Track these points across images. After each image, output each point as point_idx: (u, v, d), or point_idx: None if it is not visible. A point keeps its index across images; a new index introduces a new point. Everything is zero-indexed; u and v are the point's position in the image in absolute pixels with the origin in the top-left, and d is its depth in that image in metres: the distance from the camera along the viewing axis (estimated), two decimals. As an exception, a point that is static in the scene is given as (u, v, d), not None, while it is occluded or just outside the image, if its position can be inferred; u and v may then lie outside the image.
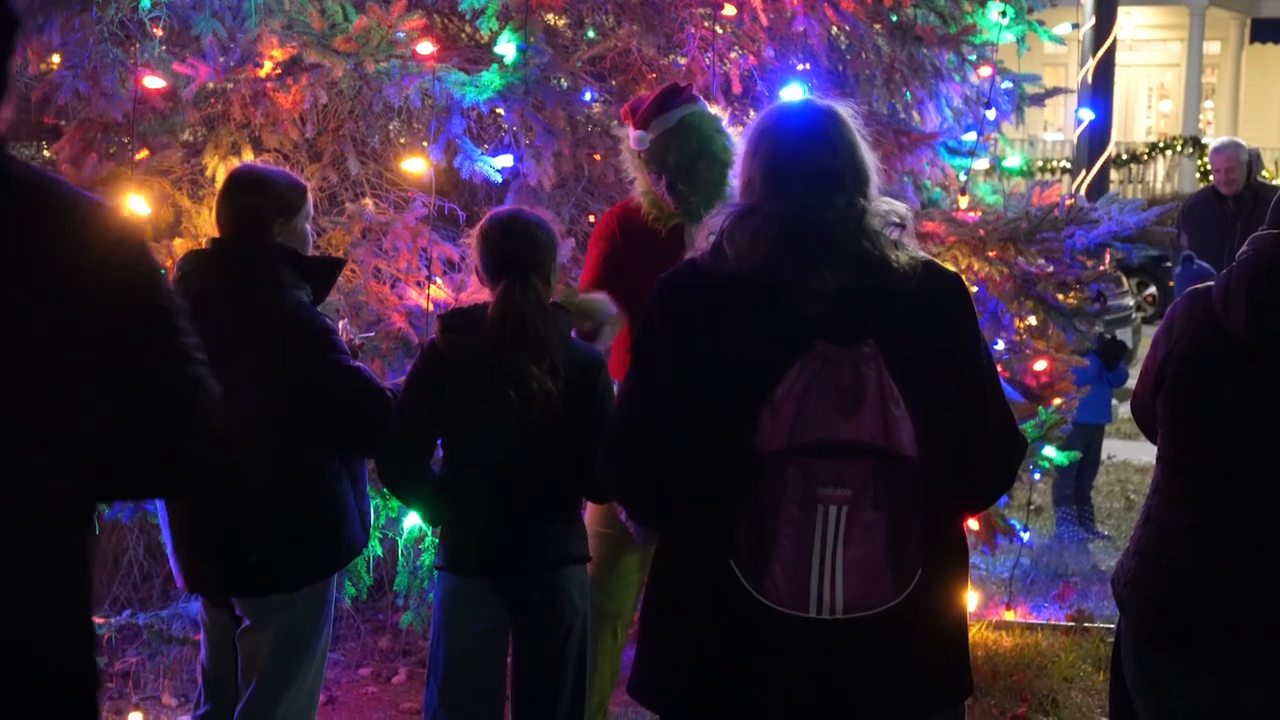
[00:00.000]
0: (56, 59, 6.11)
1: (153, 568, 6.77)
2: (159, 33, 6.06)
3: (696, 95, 5.40)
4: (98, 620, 6.12)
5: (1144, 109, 37.45)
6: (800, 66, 7.04)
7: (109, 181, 5.89)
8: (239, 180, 4.72)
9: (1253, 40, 33.78)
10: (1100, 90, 13.33)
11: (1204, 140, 30.63)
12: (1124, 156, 30.46)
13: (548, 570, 4.54)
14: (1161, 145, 31.71)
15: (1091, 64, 13.35)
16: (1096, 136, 13.18)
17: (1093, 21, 12.84)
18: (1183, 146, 31.21)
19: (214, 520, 4.53)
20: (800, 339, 3.18)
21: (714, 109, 5.40)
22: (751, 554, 3.19)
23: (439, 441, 4.60)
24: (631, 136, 5.33)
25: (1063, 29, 8.39)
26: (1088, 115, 12.15)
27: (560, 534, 4.56)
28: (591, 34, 6.77)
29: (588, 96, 6.65)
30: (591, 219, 6.87)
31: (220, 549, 4.57)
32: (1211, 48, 33.64)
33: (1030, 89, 8.06)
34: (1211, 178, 11.17)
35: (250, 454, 4.40)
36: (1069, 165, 17.00)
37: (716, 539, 3.23)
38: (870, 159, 3.40)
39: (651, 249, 5.22)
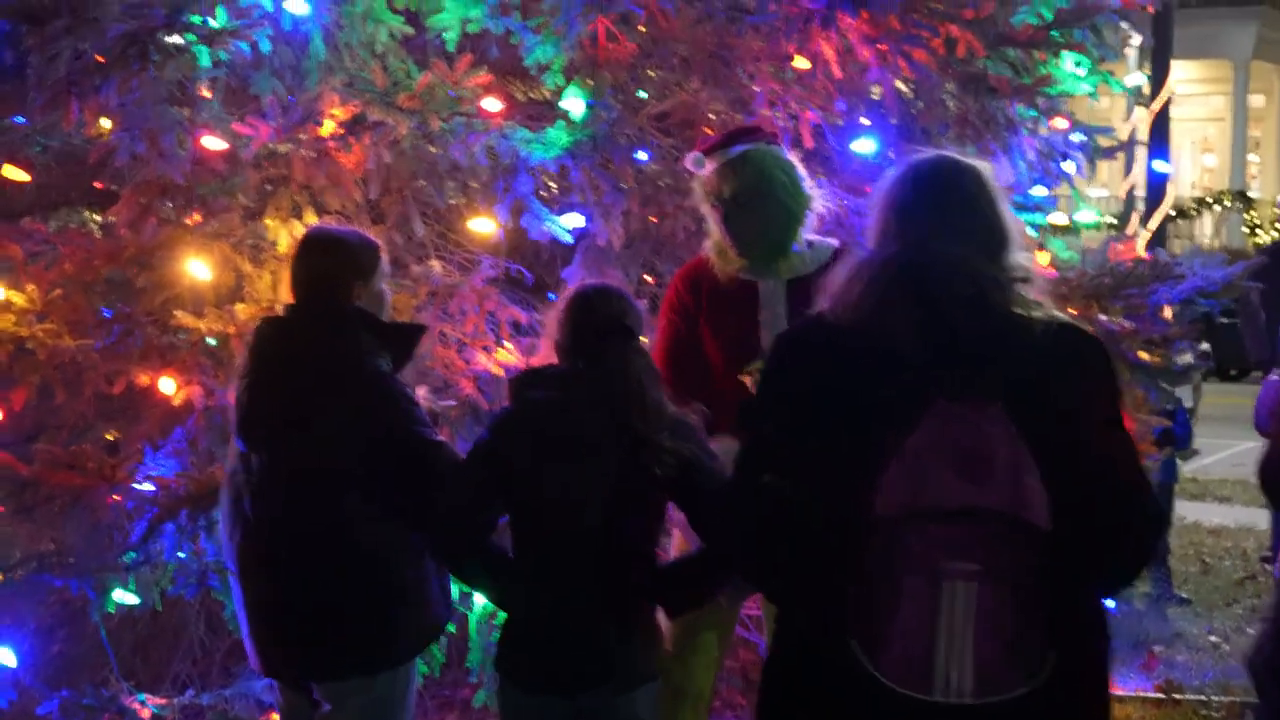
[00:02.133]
0: (106, 123, 5.97)
1: (213, 643, 6.57)
2: (207, 94, 5.90)
3: (774, 139, 5.20)
4: (159, 700, 5.94)
5: (1188, 163, 37.22)
6: (864, 121, 6.87)
7: (168, 246, 5.75)
8: (313, 242, 4.55)
9: (1297, 92, 33.60)
10: (1157, 143, 13.15)
11: (1250, 194, 30.44)
12: (1171, 212, 30.21)
13: (628, 689, 4.18)
14: (1209, 200, 31.46)
15: (1148, 117, 13.17)
16: (1154, 191, 12.99)
17: (1141, 76, 12.65)
18: (1231, 201, 30.97)
19: (294, 601, 4.34)
20: (921, 397, 3.01)
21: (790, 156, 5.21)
22: (869, 627, 3.00)
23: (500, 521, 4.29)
24: (690, 157, 5.15)
25: (1134, 79, 8.21)
26: (1164, 167, 11.93)
27: (648, 641, 4.24)
28: (643, 94, 6.58)
29: (642, 156, 6.46)
30: (656, 280, 6.69)
31: (299, 632, 4.36)
32: (1255, 100, 33.43)
33: (1104, 141, 7.85)
34: None
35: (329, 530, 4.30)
36: (1115, 221, 16.77)
37: (832, 610, 3.05)
38: (1011, 219, 3.24)
39: (721, 305, 5.04)
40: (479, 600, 5.56)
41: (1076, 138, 7.63)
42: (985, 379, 3.03)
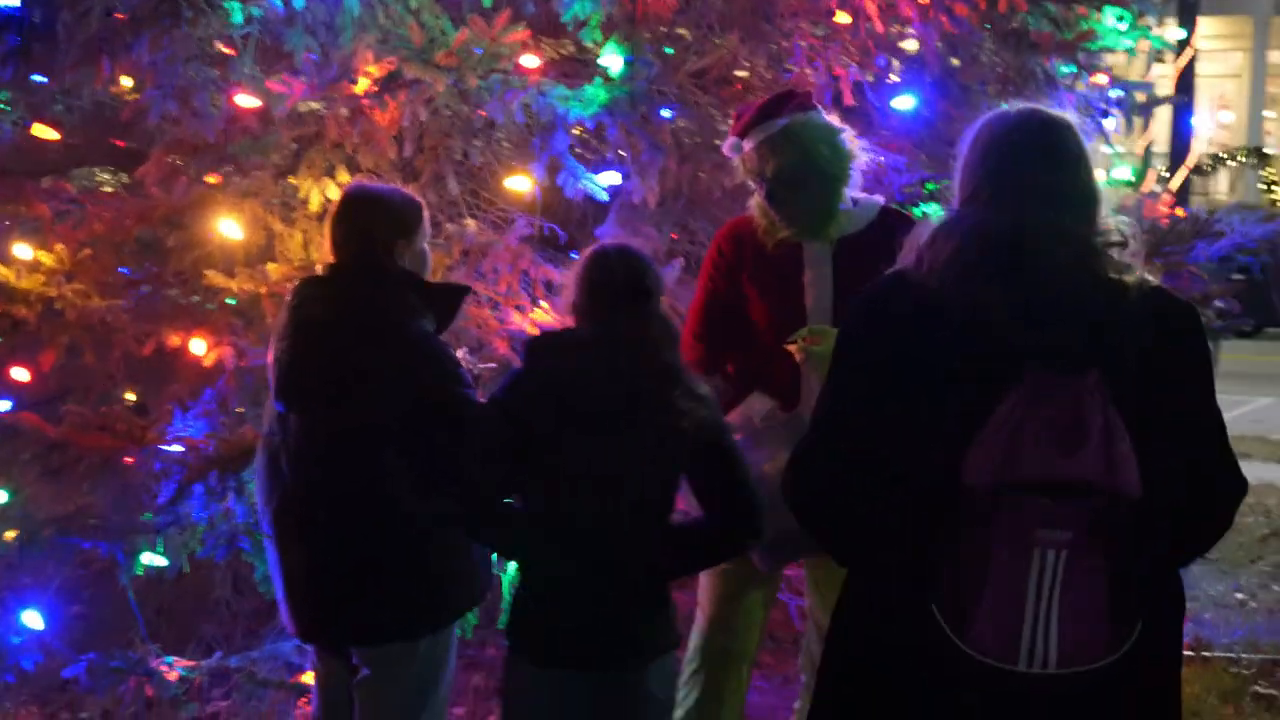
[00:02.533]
0: (128, 82, 5.86)
1: (239, 605, 6.50)
2: (228, 52, 5.78)
3: (811, 103, 5.07)
4: (187, 663, 5.87)
5: (1205, 120, 36.98)
6: (898, 78, 6.77)
7: (199, 205, 5.67)
8: (355, 200, 4.44)
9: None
10: (1183, 100, 13.02)
11: (1267, 150, 30.26)
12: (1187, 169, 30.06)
13: (649, 662, 4.07)
14: (1225, 156, 31.28)
15: (1173, 73, 13.05)
16: (1178, 148, 12.87)
17: (1180, 30, 12.52)
18: (1247, 157, 30.79)
19: (333, 564, 4.26)
20: (1015, 365, 2.91)
21: (830, 118, 5.09)
22: (954, 598, 2.93)
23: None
24: (728, 143, 5.03)
25: (1174, 34, 8.10)
26: (1203, 122, 11.86)
27: (668, 613, 4.13)
28: (676, 50, 6.45)
29: (666, 114, 6.34)
30: (693, 239, 6.59)
31: (338, 595, 4.29)
32: (1274, 57, 33.20)
33: (1140, 97, 7.75)
34: None
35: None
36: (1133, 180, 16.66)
37: (915, 579, 2.97)
38: (1098, 179, 3.12)
39: (765, 265, 4.93)
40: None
41: (1115, 94, 7.53)
42: (1080, 346, 2.95)
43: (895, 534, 3.02)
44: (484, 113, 5.70)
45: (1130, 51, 7.36)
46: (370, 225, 4.34)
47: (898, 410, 3.00)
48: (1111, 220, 3.13)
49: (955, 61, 6.93)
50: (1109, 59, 8.77)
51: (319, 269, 4.51)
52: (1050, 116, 3.18)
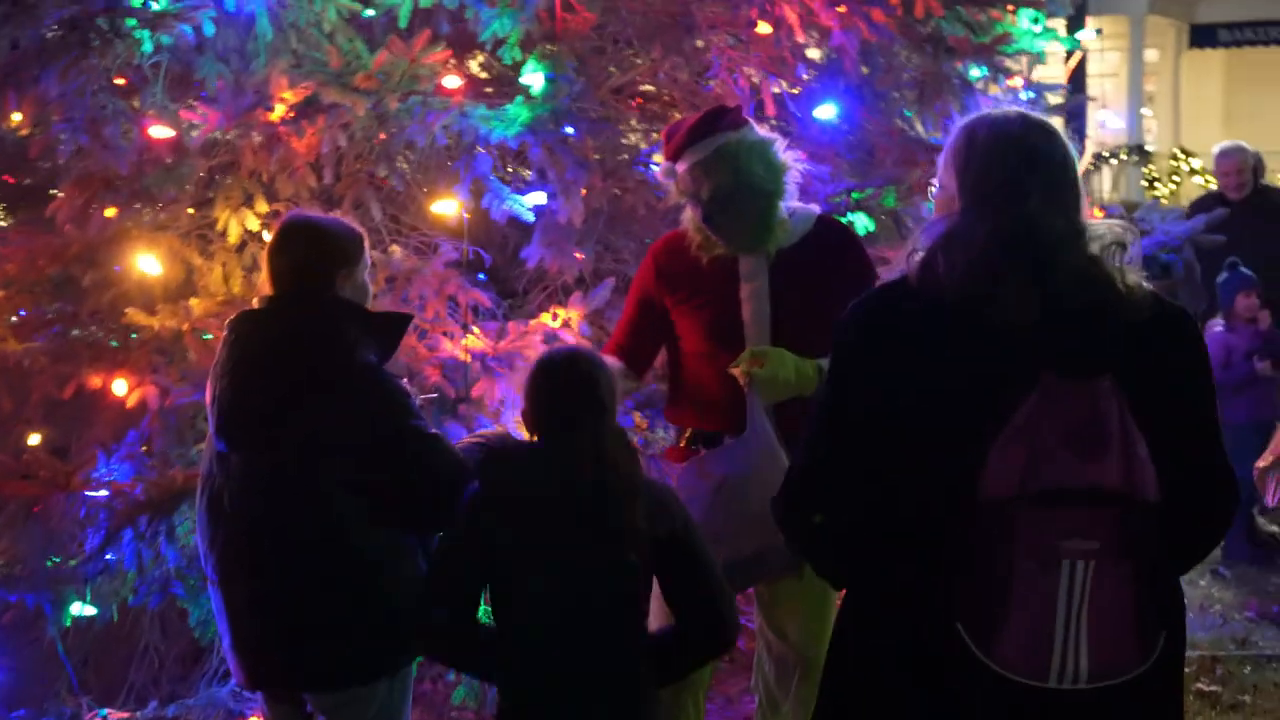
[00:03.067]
0: (18, 116, 5.68)
1: (167, 650, 6.31)
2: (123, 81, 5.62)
3: (742, 119, 4.97)
4: (121, 715, 5.69)
5: (1089, 120, 37.40)
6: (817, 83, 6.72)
7: (115, 241, 5.50)
8: (294, 231, 4.27)
9: (1191, 46, 33.80)
10: (1087, 100, 13.13)
11: (1146, 148, 30.62)
12: (1070, 167, 30.32)
13: None
14: (1106, 155, 31.60)
15: (1064, 74, 13.14)
16: (1077, 147, 12.97)
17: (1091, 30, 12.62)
18: (1128, 155, 31.13)
19: (285, 607, 4.10)
20: (1027, 372, 2.85)
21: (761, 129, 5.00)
22: (979, 614, 2.84)
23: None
24: (661, 168, 4.93)
25: (1086, 35, 8.12)
26: (1115, 121, 11.97)
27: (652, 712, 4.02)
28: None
29: (570, 130, 6.22)
30: (617, 258, 6.50)
31: (293, 640, 4.13)
32: (1150, 55, 33.60)
33: (1052, 99, 7.76)
34: (1218, 182, 10.71)
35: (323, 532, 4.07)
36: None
37: (935, 595, 2.88)
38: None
39: (700, 280, 4.82)
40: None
41: (1026, 96, 7.53)
42: (1095, 350, 2.91)
43: (909, 553, 2.94)
44: (406, 136, 5.56)
45: (1041, 55, 7.35)
46: (311, 256, 4.19)
47: (903, 421, 2.93)
48: (1111, 222, 3.08)
49: (865, 69, 6.88)
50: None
51: (255, 302, 4.35)
52: (1042, 119, 3.13)
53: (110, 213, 5.62)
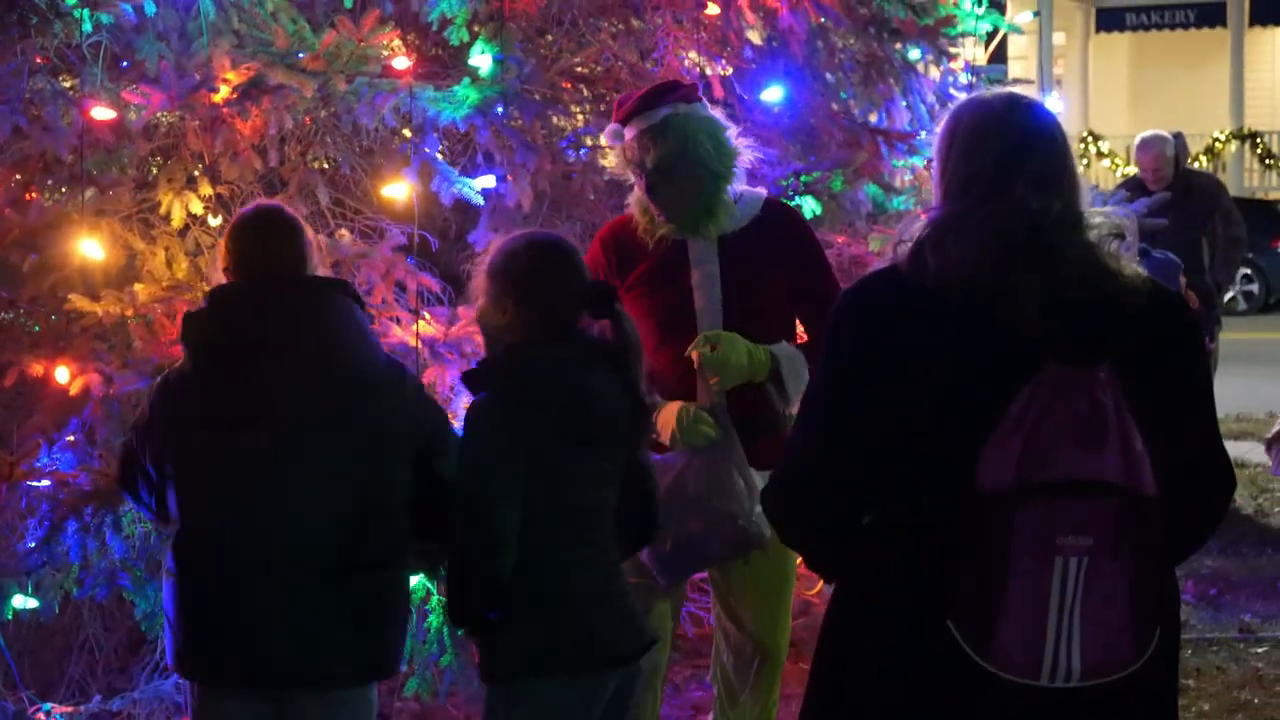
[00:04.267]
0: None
1: (106, 642, 6.18)
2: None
3: (696, 95, 4.92)
4: (65, 709, 5.56)
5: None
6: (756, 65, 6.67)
7: (56, 226, 5.35)
8: (271, 217, 4.19)
9: (1098, 30, 34.11)
10: (1026, 82, 13.25)
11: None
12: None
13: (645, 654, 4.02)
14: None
15: (984, 56, 13.21)
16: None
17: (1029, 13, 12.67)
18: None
19: (286, 607, 3.96)
20: (1025, 361, 2.79)
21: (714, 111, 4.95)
22: (972, 611, 2.79)
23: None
24: (608, 130, 4.88)
25: (1023, 18, 8.13)
26: (1056, 105, 12.05)
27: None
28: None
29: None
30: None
31: (290, 638, 3.96)
32: (1058, 39, 33.88)
33: (992, 83, 7.75)
34: (1137, 173, 10.74)
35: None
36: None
37: (926, 590, 2.84)
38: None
39: (649, 266, 4.79)
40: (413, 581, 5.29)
41: (966, 79, 7.54)
42: (1093, 339, 2.86)
43: (902, 546, 2.90)
44: (354, 117, 5.46)
45: (980, 36, 7.36)
46: (294, 240, 4.11)
47: (898, 412, 2.88)
48: (1107, 211, 3.05)
49: (818, 48, 6.84)
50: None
51: (227, 283, 4.18)
52: (1035, 101, 3.08)
53: (50, 196, 5.48)
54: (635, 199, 4.84)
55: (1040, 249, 2.88)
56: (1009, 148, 2.95)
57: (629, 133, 4.75)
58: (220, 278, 4.22)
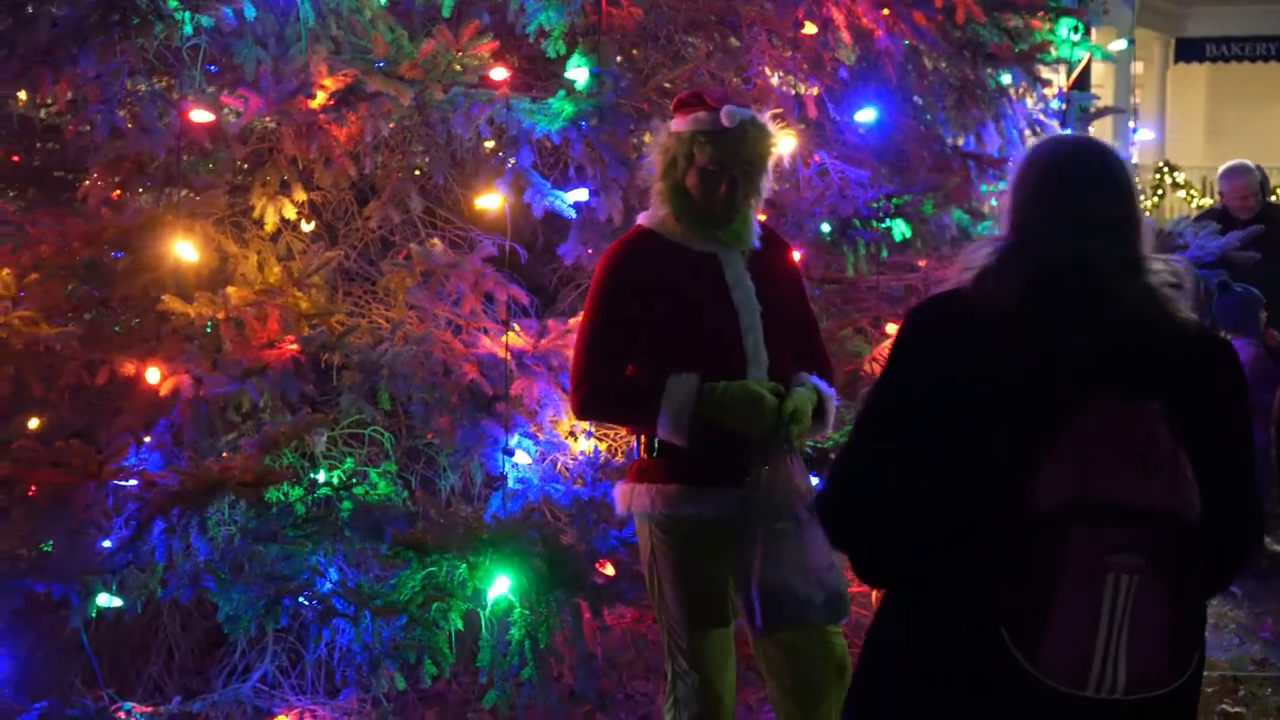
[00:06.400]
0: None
1: (183, 644, 6.19)
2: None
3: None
4: (145, 709, 5.58)
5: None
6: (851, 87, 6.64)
7: (150, 227, 5.36)
8: None
9: (1177, 60, 33.86)
10: (1116, 110, 13.18)
11: (1134, 161, 30.64)
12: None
13: None
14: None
15: (1067, 84, 13.11)
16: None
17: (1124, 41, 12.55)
18: (1117, 168, 31.17)
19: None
20: (1082, 391, 2.91)
21: (788, 134, 4.87)
22: (1023, 621, 2.90)
23: None
24: (724, 111, 4.50)
25: (1117, 45, 8.07)
26: (1147, 135, 11.95)
27: None
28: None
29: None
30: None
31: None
32: (1135, 68, 33.67)
33: (1083, 110, 7.71)
34: (1224, 201, 10.63)
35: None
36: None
37: (980, 603, 2.93)
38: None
39: (686, 283, 4.53)
40: (492, 593, 5.28)
41: (1056, 105, 7.49)
42: (1148, 377, 2.97)
43: (942, 556, 2.99)
44: (450, 127, 5.46)
45: (1074, 62, 7.30)
46: None
47: (956, 431, 2.96)
48: (1167, 260, 3.14)
49: (911, 72, 6.82)
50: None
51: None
52: (1106, 146, 3.20)
53: (145, 197, 5.51)
54: (664, 208, 4.62)
55: (1096, 288, 2.99)
56: (1076, 191, 3.06)
57: (685, 127, 4.54)
58: None
